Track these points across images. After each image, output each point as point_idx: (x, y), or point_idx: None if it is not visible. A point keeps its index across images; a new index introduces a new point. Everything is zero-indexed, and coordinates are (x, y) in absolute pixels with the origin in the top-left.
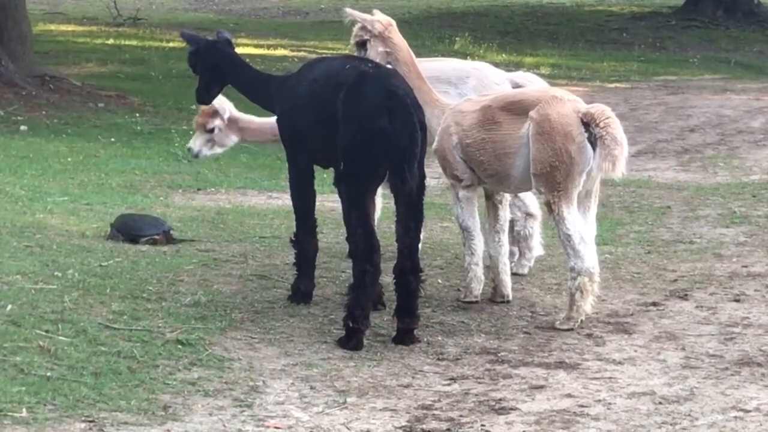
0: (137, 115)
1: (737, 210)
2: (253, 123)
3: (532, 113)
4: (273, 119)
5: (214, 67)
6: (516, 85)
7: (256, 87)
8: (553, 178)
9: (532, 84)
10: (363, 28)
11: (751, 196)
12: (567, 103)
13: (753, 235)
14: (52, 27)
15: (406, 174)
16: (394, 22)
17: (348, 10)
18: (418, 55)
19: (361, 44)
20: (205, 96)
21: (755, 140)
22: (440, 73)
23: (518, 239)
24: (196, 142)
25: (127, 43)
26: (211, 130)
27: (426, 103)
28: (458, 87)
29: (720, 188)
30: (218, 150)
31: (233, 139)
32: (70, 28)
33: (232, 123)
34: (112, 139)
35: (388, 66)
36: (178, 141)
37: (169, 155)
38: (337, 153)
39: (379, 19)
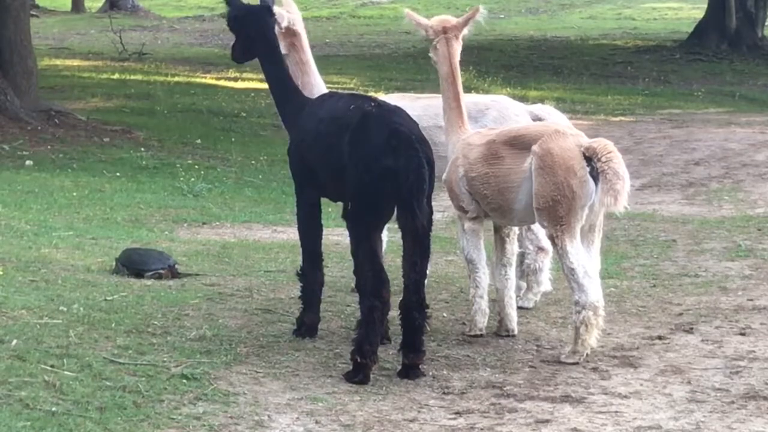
0: (142, 149)
1: (742, 243)
2: (306, 56)
3: (534, 147)
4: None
5: (249, 39)
6: (536, 118)
7: (278, 89)
8: (556, 212)
9: (551, 116)
10: (423, 30)
11: (756, 230)
12: (569, 137)
13: (758, 269)
14: (58, 62)
15: (415, 210)
16: (452, 31)
17: (407, 10)
18: (424, 90)
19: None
20: (239, 57)
21: (760, 173)
22: None
23: (527, 272)
24: None
25: (132, 77)
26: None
27: (452, 127)
28: (479, 120)
29: (725, 221)
30: None
31: (282, 49)
32: (76, 63)
33: (292, 35)
34: (118, 174)
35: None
36: (183, 175)
37: (175, 189)
38: (344, 190)
39: (432, 25)
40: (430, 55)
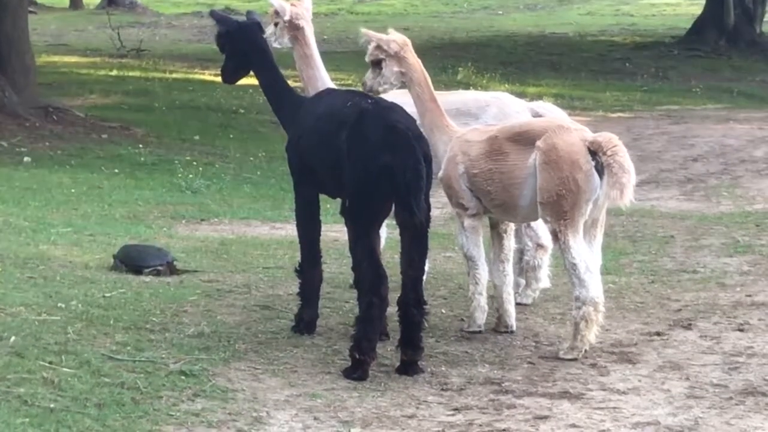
0: (140, 146)
1: (741, 239)
2: (311, 50)
3: (539, 143)
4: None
5: (242, 53)
6: (536, 114)
7: (273, 94)
8: (560, 207)
9: (551, 114)
10: (378, 47)
11: (754, 226)
12: (573, 132)
13: (756, 265)
14: (56, 58)
15: (413, 207)
16: (409, 42)
17: (363, 30)
18: None
19: (376, 63)
20: (230, 77)
21: (758, 169)
22: (460, 104)
23: (526, 269)
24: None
25: (130, 74)
26: (276, 24)
27: (436, 127)
28: (479, 117)
29: (723, 217)
30: (274, 45)
31: (285, 41)
32: (74, 59)
33: (295, 29)
34: (116, 170)
35: (395, 90)
36: (181, 172)
37: (173, 186)
38: (342, 187)
39: (395, 39)
40: (395, 69)
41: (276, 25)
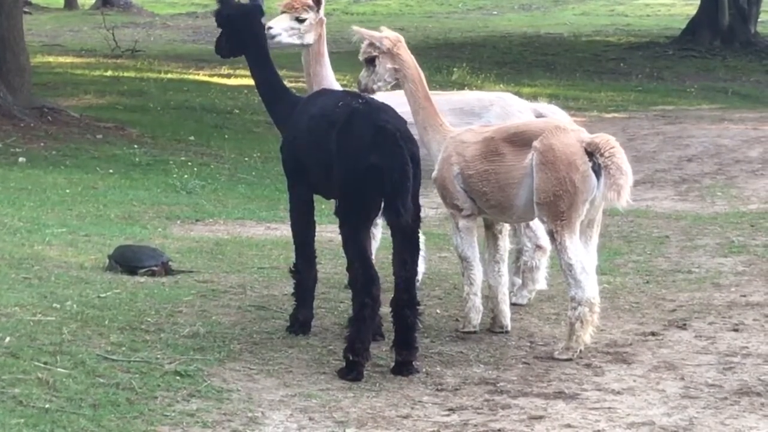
0: (135, 146)
1: (735, 239)
2: (324, 47)
3: (535, 143)
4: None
5: (239, 37)
6: (539, 115)
7: (268, 92)
8: (557, 207)
9: (554, 115)
10: (371, 44)
11: (749, 226)
12: (570, 132)
13: (751, 265)
14: (51, 59)
15: (399, 208)
16: (402, 39)
17: (355, 27)
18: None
19: (370, 61)
20: (225, 52)
21: (753, 170)
22: (463, 104)
23: (524, 270)
24: (281, 24)
25: (125, 74)
26: (302, 20)
27: (430, 126)
28: (482, 117)
29: (718, 218)
30: (296, 41)
31: (311, 39)
32: (69, 60)
33: (321, 25)
34: (111, 171)
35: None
36: (176, 172)
37: (168, 186)
38: (334, 187)
39: (388, 36)
40: (389, 66)
41: (301, 21)
